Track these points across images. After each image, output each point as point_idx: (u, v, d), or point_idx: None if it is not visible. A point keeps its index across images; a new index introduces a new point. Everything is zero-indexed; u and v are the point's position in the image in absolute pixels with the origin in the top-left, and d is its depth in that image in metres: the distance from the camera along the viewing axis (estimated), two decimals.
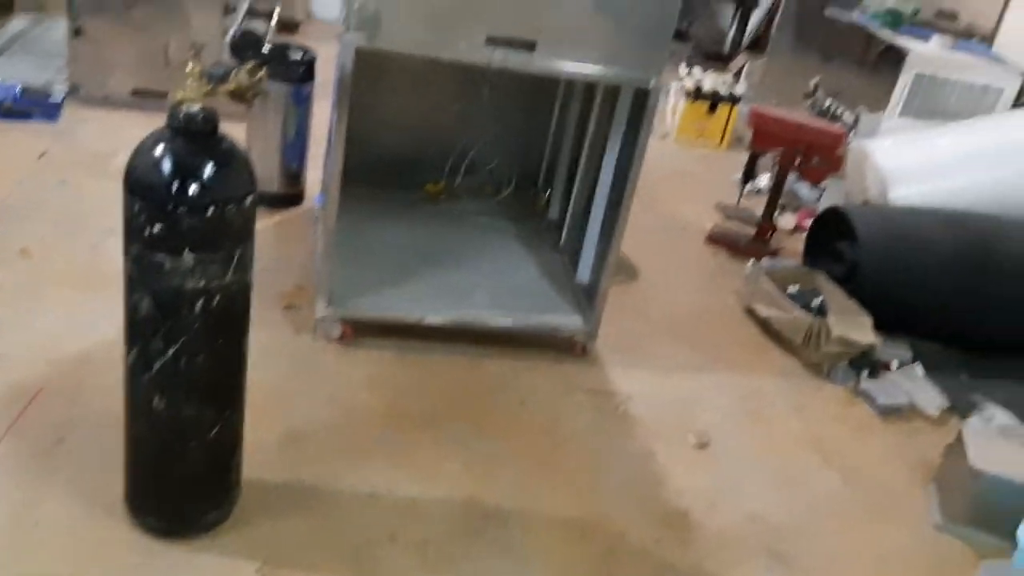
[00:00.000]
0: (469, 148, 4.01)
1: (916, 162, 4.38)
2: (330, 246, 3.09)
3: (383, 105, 3.94)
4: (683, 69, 6.18)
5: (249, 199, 2.02)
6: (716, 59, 7.69)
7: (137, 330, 2.08)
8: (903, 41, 4.76)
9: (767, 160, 4.53)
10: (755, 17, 7.65)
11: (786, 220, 4.93)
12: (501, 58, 2.80)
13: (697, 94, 5.86)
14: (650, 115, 2.98)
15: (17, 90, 4.56)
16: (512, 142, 4.11)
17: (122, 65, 4.55)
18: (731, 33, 7.79)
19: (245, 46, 2.01)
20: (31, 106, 4.45)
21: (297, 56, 3.88)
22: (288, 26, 6.27)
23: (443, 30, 2.75)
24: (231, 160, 2.01)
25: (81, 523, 2.25)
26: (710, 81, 6.00)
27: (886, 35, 4.83)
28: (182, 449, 2.17)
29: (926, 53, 4.69)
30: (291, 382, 2.94)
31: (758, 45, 7.44)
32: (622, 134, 3.21)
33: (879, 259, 3.83)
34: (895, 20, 4.89)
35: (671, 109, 6.19)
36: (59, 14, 4.99)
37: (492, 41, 2.78)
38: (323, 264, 3.11)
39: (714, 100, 5.86)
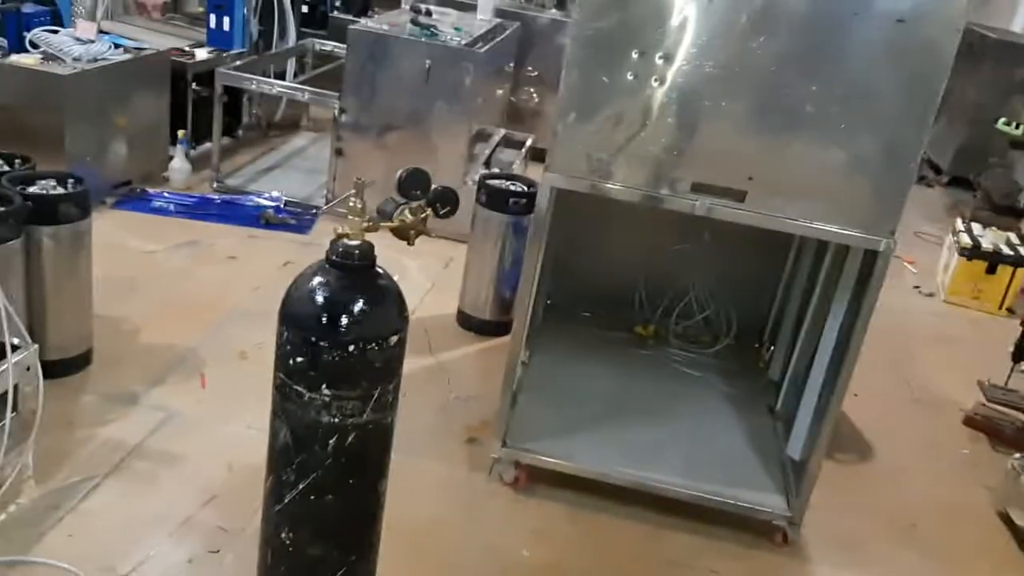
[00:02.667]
0: (686, 291, 3.78)
1: None
2: (511, 381, 2.96)
3: (598, 239, 3.85)
4: (959, 223, 5.55)
5: (395, 338, 1.94)
6: (1008, 214, 6.88)
7: (274, 459, 2.04)
8: None
9: None
10: None
11: None
12: (706, 207, 2.59)
13: (974, 251, 5.22)
14: (878, 280, 2.61)
15: (281, 202, 4.97)
16: (735, 290, 3.83)
17: (374, 185, 4.82)
18: None
19: (411, 184, 1.96)
20: (289, 217, 4.82)
21: (518, 188, 3.91)
22: (540, 156, 6.41)
23: (645, 173, 2.59)
24: (381, 298, 1.96)
25: None
26: (990, 238, 5.34)
27: None
28: None
29: None
30: (452, 523, 2.80)
31: None
32: (848, 297, 2.84)
33: None
34: None
35: (942, 265, 5.57)
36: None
37: (698, 189, 2.58)
38: (503, 400, 2.99)
39: (994, 260, 5.19)
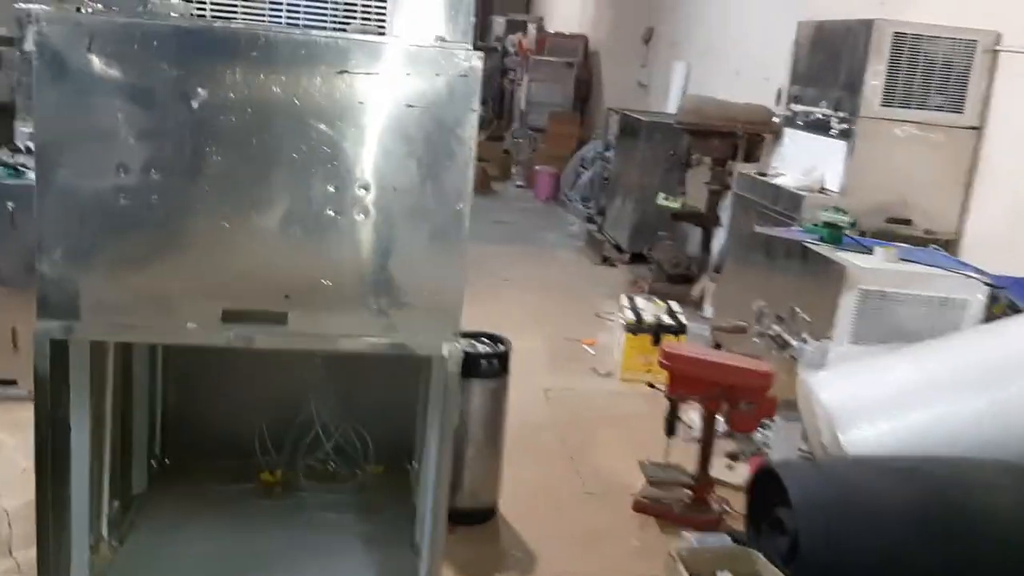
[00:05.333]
0: (311, 422, 3.37)
1: (869, 397, 3.63)
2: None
3: (213, 380, 3.37)
4: (624, 300, 5.61)
5: None
6: (682, 281, 7.16)
7: None
8: (841, 255, 4.17)
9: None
10: (719, 238, 7.19)
11: (737, 473, 4.13)
12: (244, 337, 2.21)
13: (638, 326, 5.25)
14: (452, 391, 2.33)
15: None
16: (368, 409, 3.46)
17: None
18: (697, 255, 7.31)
19: None
20: None
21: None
22: None
23: (163, 308, 2.19)
24: None
25: None
26: (652, 310, 5.41)
27: (823, 250, 4.27)
28: None
29: (868, 265, 4.08)
30: None
31: (722, 268, 6.91)
32: (439, 408, 2.55)
33: (822, 532, 3.01)
34: (834, 235, 4.34)
35: (616, 344, 5.57)
36: None
37: (231, 317, 2.21)
38: None
39: (656, 331, 5.24)
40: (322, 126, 2.11)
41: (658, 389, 3.70)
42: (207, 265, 2.16)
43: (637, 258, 7.99)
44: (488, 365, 3.43)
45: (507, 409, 3.58)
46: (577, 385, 5.17)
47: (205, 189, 2.11)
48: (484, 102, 16.93)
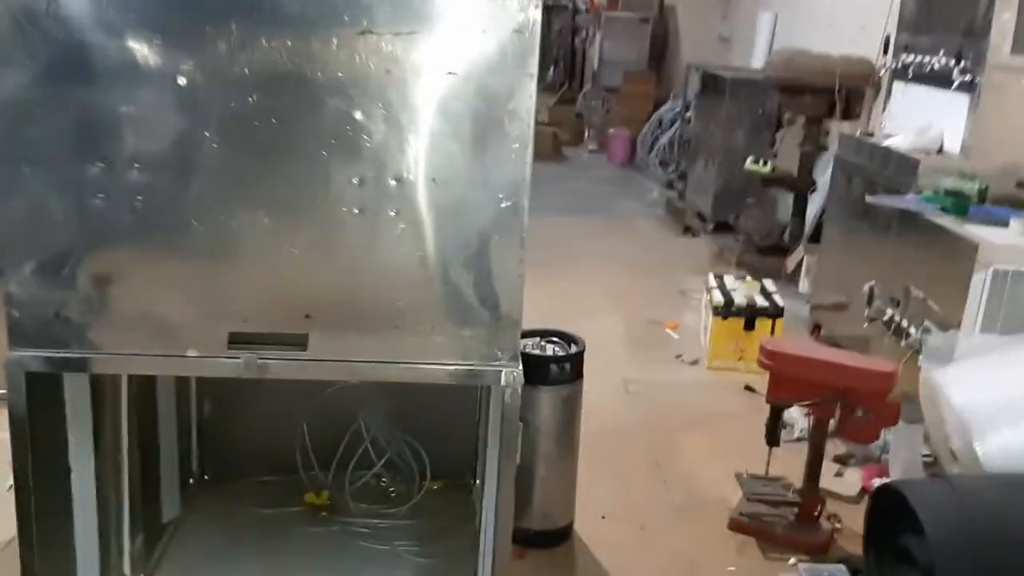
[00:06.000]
0: (358, 436, 2.98)
1: (1008, 398, 3.07)
2: None
3: (250, 387, 3.00)
4: (711, 279, 5.07)
5: None
6: (773, 253, 6.56)
7: None
8: (971, 230, 3.57)
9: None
10: (814, 203, 6.55)
11: (848, 481, 3.61)
12: (255, 365, 1.80)
13: (728, 309, 4.72)
14: (510, 423, 1.89)
15: None
16: (423, 422, 3.05)
17: None
18: (788, 223, 6.69)
19: None
20: None
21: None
22: None
23: (156, 332, 1.79)
24: None
25: None
26: (744, 291, 4.86)
27: (948, 223, 3.67)
28: None
29: (1003, 241, 3.48)
30: None
31: (817, 237, 6.29)
32: (497, 434, 2.11)
33: (966, 570, 2.50)
34: (959, 204, 3.74)
35: (703, 328, 5.06)
36: None
37: (239, 341, 1.80)
38: None
39: (750, 314, 4.70)
40: (340, 103, 1.67)
41: (757, 392, 3.19)
42: (206, 278, 1.76)
43: (722, 227, 7.38)
44: (559, 370, 2.97)
45: (582, 416, 3.14)
46: (660, 376, 4.67)
47: (199, 186, 1.70)
48: (555, 63, 16.41)
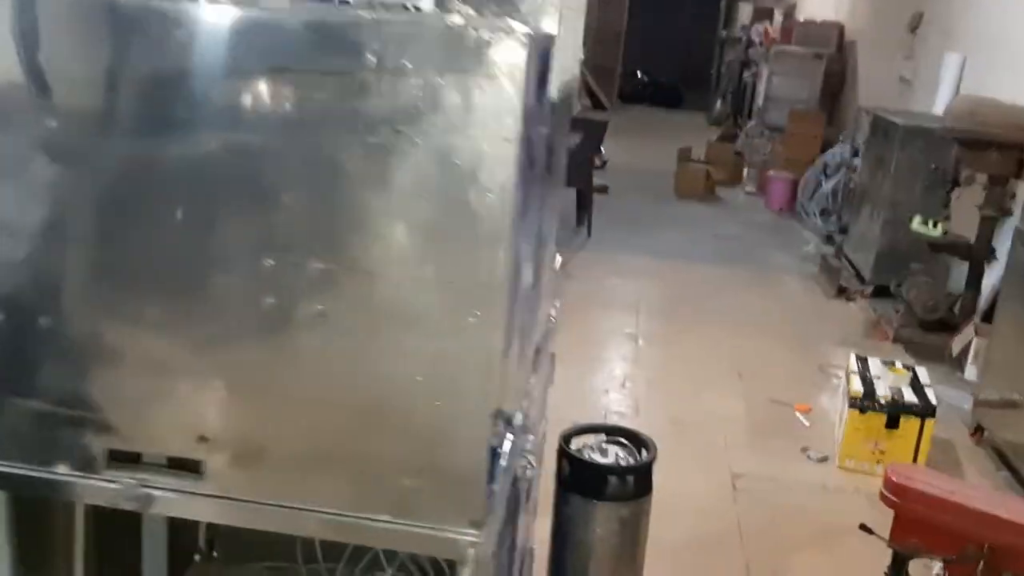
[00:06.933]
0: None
1: None
2: None
3: None
4: (853, 361, 4.31)
5: None
6: (938, 330, 5.67)
7: None
8: None
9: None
10: (991, 276, 5.61)
11: None
12: (138, 495, 1.37)
13: (868, 401, 3.97)
14: None
15: None
16: None
17: None
18: (959, 297, 5.76)
19: None
20: None
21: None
22: None
23: (23, 443, 1.39)
24: None
25: None
26: (889, 380, 4.09)
27: None
28: None
29: None
30: None
31: (992, 316, 5.36)
32: None
33: None
34: None
35: (837, 417, 4.32)
36: None
37: (121, 460, 1.38)
38: None
39: (893, 410, 3.94)
40: (241, 159, 1.22)
41: (875, 535, 2.51)
42: (79, 382, 1.34)
43: (882, 291, 6.50)
44: (619, 484, 2.41)
45: (646, 538, 2.56)
46: (778, 472, 3.98)
47: (69, 264, 1.30)
48: (723, 97, 15.61)
